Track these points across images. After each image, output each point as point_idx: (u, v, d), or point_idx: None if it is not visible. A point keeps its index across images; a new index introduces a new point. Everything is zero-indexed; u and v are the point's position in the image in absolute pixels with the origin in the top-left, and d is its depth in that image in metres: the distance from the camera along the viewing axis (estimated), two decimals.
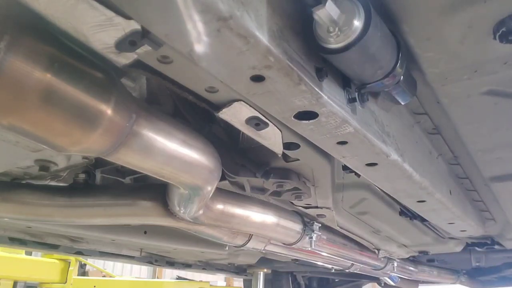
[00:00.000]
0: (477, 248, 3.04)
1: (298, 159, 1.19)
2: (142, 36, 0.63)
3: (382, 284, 4.96)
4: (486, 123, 1.26)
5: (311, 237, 1.98)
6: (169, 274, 11.46)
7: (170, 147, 0.93)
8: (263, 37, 0.58)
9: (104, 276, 7.16)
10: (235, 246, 2.15)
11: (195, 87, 0.80)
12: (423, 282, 4.45)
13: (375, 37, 0.69)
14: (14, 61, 0.62)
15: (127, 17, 0.60)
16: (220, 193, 1.41)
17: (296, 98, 0.72)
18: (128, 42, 0.65)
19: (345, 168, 1.40)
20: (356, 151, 0.97)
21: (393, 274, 3.97)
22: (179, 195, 1.27)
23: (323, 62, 0.74)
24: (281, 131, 0.97)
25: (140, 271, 12.79)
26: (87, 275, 6.85)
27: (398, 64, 0.81)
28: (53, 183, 1.48)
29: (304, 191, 1.41)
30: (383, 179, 1.23)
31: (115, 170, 1.49)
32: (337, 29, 0.64)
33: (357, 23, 0.65)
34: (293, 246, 2.05)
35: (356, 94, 0.85)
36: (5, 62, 0.61)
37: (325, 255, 2.58)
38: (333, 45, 0.67)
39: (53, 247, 2.71)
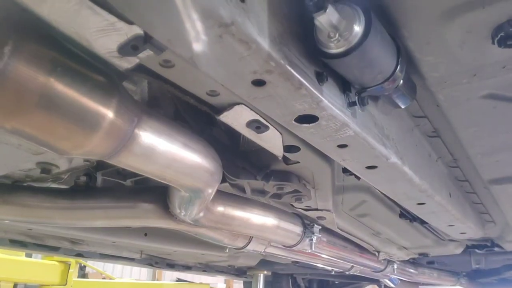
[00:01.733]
0: (477, 250, 3.04)
1: (299, 162, 1.20)
2: (144, 41, 0.64)
3: (382, 286, 4.96)
4: (485, 126, 1.27)
5: (311, 239, 1.99)
6: (169, 276, 11.45)
7: (171, 150, 0.93)
8: (264, 43, 0.58)
9: (104, 278, 7.16)
10: (235, 248, 2.15)
11: (196, 90, 0.81)
12: (423, 284, 4.45)
13: (375, 42, 0.70)
14: (18, 65, 0.62)
15: (130, 22, 0.61)
16: (221, 195, 1.41)
17: (297, 102, 0.73)
18: (130, 47, 0.65)
19: (345, 170, 1.41)
20: (356, 154, 0.98)
21: (393, 276, 3.97)
22: (180, 198, 1.27)
23: (323, 67, 0.75)
24: (281, 134, 0.98)
25: (140, 273, 12.77)
26: (87, 277, 6.85)
27: (398, 68, 0.81)
28: (54, 185, 1.49)
29: (304, 193, 1.41)
30: (383, 182, 1.23)
31: (116, 172, 1.49)
32: (337, 34, 0.65)
33: (358, 29, 0.65)
34: (293, 248, 2.05)
35: (356, 97, 0.86)
36: (9, 66, 0.61)
37: (325, 257, 2.58)
38: (334, 50, 0.67)
39: (54, 249, 2.71)
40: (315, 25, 0.66)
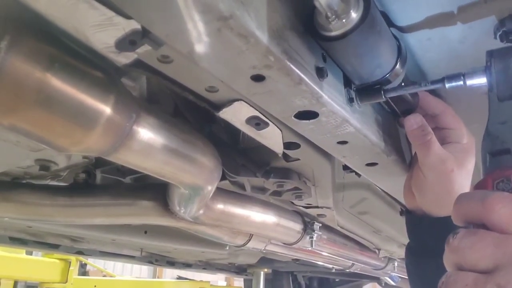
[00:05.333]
0: None
1: (299, 159, 1.19)
2: (142, 36, 0.63)
3: (383, 284, 4.97)
4: (486, 122, 1.26)
5: (312, 237, 1.99)
6: (169, 274, 11.47)
7: (170, 146, 0.93)
8: (263, 37, 0.58)
9: (104, 276, 7.17)
10: (235, 246, 2.15)
11: (195, 86, 0.80)
12: None
13: (374, 32, 0.69)
14: (15, 61, 0.62)
15: (127, 16, 0.60)
16: (221, 193, 1.41)
17: (297, 97, 0.72)
18: (128, 42, 0.65)
19: (345, 167, 1.40)
20: (356, 150, 0.97)
21: (394, 274, 3.97)
22: (179, 195, 1.27)
23: (323, 62, 0.74)
24: (281, 130, 0.97)
25: (140, 271, 12.80)
26: (88, 275, 6.86)
27: (398, 65, 0.81)
28: (53, 182, 1.49)
29: (304, 190, 1.41)
30: (384, 179, 1.23)
31: (115, 169, 1.49)
32: (335, 16, 0.65)
33: (355, 12, 0.65)
34: (293, 246, 2.05)
35: (354, 94, 0.85)
36: (6, 62, 0.61)
37: (325, 255, 2.59)
38: (332, 32, 0.67)
39: (54, 247, 2.72)
40: (315, 8, 0.66)
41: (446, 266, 0.55)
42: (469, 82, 0.80)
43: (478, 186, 0.62)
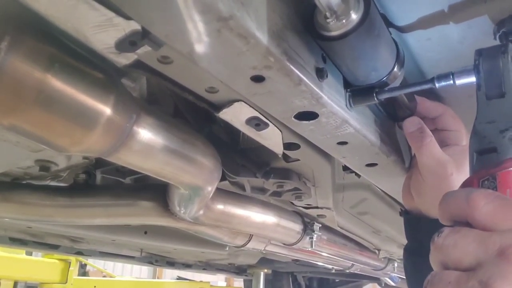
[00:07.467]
0: None
1: (299, 159, 1.19)
2: (142, 37, 0.63)
3: (383, 285, 4.97)
4: None
5: (312, 238, 1.99)
6: (169, 274, 11.47)
7: (170, 147, 0.93)
8: (263, 37, 0.58)
9: (104, 276, 7.17)
10: (235, 247, 2.15)
11: (195, 87, 0.80)
12: None
13: (372, 33, 0.69)
14: (15, 61, 0.62)
15: (127, 17, 0.60)
16: (221, 193, 1.41)
17: (296, 98, 0.72)
18: (128, 43, 0.65)
19: (345, 168, 1.40)
20: (356, 151, 0.97)
21: (394, 274, 3.98)
22: (179, 196, 1.27)
23: (323, 63, 0.74)
24: (281, 131, 0.97)
25: (140, 271, 12.80)
26: (88, 275, 6.86)
27: (393, 71, 0.81)
28: (53, 183, 1.49)
29: (304, 191, 1.41)
30: (384, 180, 1.23)
31: (115, 170, 1.49)
32: (334, 16, 0.65)
33: (355, 14, 0.65)
34: (293, 246, 2.05)
35: (347, 95, 0.84)
36: (6, 62, 0.61)
37: (325, 255, 2.59)
38: (331, 32, 0.67)
39: (54, 247, 2.72)
40: (316, 7, 0.66)
41: (432, 265, 0.55)
42: (459, 81, 0.80)
43: (464, 185, 0.62)
